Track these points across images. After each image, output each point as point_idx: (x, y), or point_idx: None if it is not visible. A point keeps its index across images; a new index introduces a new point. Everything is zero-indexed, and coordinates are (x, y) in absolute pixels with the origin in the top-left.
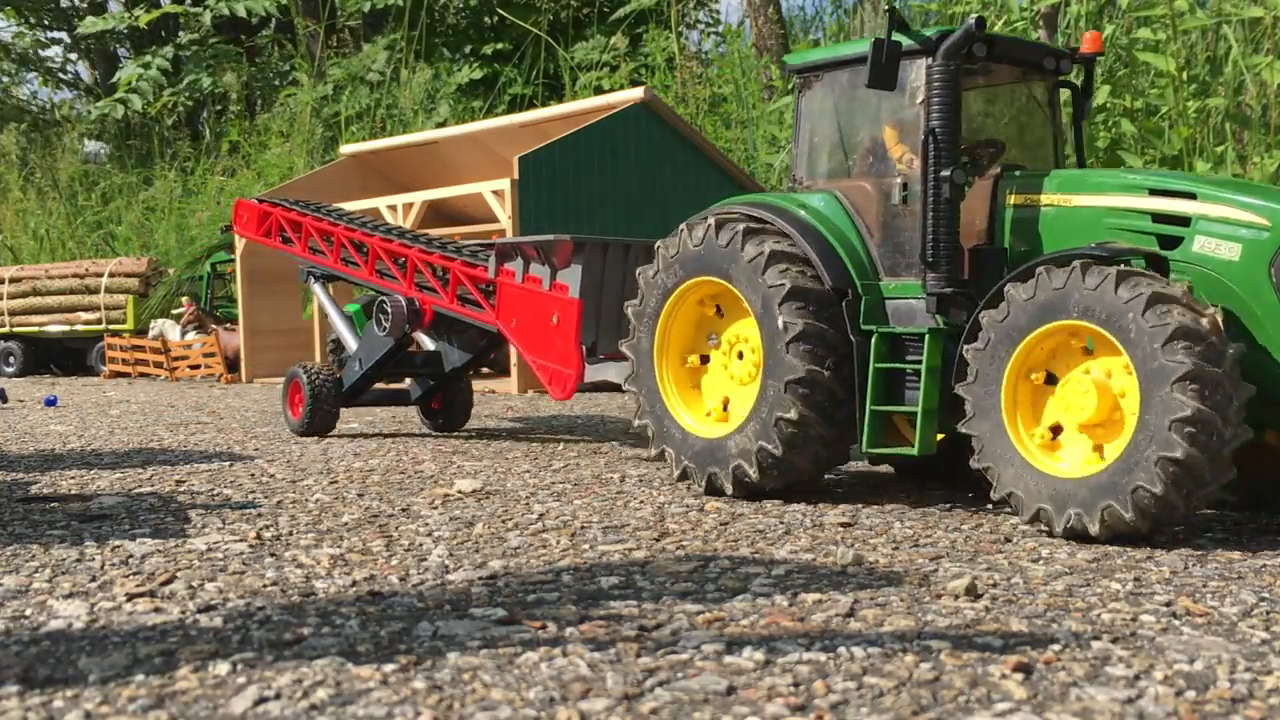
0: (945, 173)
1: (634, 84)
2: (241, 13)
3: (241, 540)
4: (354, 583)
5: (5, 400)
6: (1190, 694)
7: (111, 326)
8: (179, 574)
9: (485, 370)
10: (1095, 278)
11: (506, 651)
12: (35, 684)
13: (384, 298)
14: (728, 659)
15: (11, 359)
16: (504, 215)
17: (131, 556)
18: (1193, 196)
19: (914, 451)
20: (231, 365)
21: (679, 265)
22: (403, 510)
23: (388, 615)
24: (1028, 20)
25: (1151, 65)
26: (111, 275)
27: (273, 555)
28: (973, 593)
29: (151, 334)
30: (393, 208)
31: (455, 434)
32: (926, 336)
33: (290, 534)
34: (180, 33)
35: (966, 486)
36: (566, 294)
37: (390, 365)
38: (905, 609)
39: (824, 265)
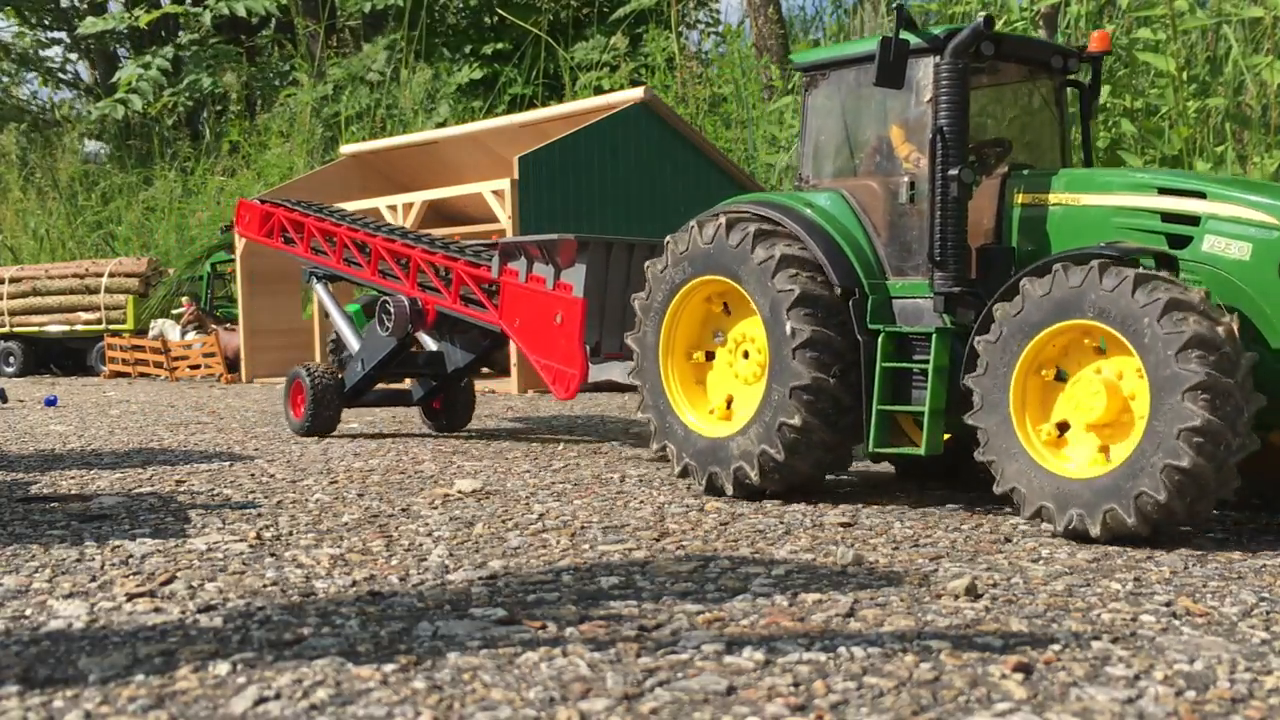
0: (953, 171)
1: (634, 84)
2: (241, 12)
3: (241, 540)
4: (354, 583)
5: (5, 400)
6: (1190, 694)
7: (111, 326)
8: (179, 574)
9: (485, 370)
10: (1113, 279)
11: (506, 651)
12: (35, 684)
13: (387, 298)
14: (728, 659)
15: (11, 359)
16: (504, 215)
17: (131, 556)
18: (1202, 196)
19: (921, 451)
20: (231, 365)
21: (688, 262)
22: (403, 510)
23: (388, 615)
24: (1028, 20)
25: (1151, 65)
26: (111, 275)
27: (273, 555)
28: (973, 593)
29: (151, 334)
30: (393, 208)
31: (455, 434)
32: (934, 336)
33: (290, 534)
34: (180, 33)
35: (967, 486)
36: (570, 293)
37: (393, 365)
38: (905, 609)
39: (831, 265)
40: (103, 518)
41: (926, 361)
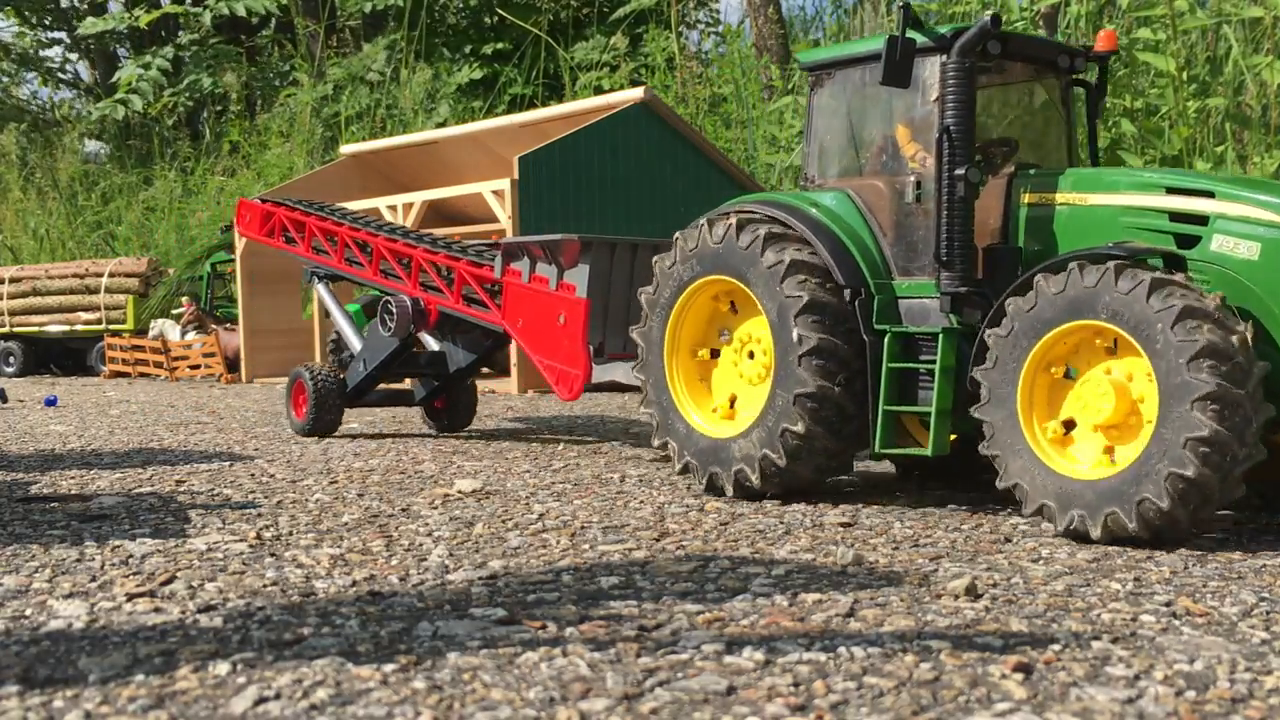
0: (960, 171)
1: (634, 84)
2: (241, 12)
3: (241, 540)
4: (354, 583)
5: (5, 400)
6: (1190, 694)
7: (111, 326)
8: (179, 574)
9: (485, 370)
10: (1128, 282)
11: (506, 651)
12: (35, 684)
13: (389, 298)
14: (728, 659)
15: (11, 359)
16: (504, 215)
17: (131, 556)
18: (1211, 195)
19: (928, 452)
20: (231, 365)
21: (696, 260)
22: (403, 510)
23: (388, 615)
24: (1028, 20)
25: (1151, 65)
26: (111, 275)
27: (273, 555)
28: (973, 593)
29: (151, 334)
30: (393, 208)
31: (455, 434)
32: (940, 336)
33: (290, 534)
34: (180, 33)
35: (967, 486)
36: (573, 294)
37: (395, 365)
38: (905, 609)
39: (837, 265)
40: (103, 518)
41: (933, 362)
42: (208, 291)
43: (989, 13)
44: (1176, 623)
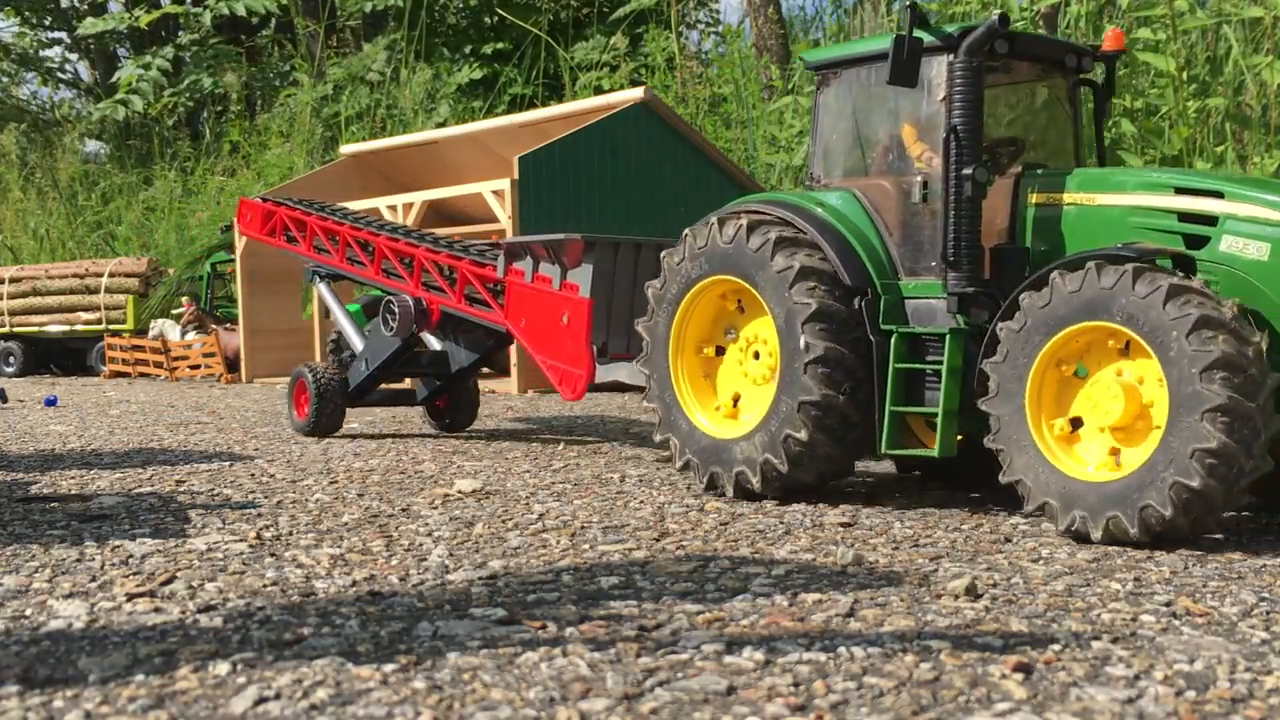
0: (967, 171)
1: (634, 84)
2: (241, 12)
3: (241, 540)
4: (354, 583)
5: (5, 400)
6: (1190, 694)
7: (111, 326)
8: (179, 574)
9: (485, 370)
10: (1146, 286)
11: (506, 651)
12: (35, 684)
13: (391, 297)
14: (728, 659)
15: (11, 359)
16: (504, 215)
17: (131, 556)
18: (1220, 195)
19: (934, 453)
20: (231, 365)
21: (705, 259)
22: (403, 510)
23: (388, 615)
24: (1028, 20)
25: (1151, 65)
26: (111, 275)
27: (273, 555)
28: (973, 593)
29: (151, 334)
30: (393, 208)
31: (456, 434)
32: (947, 337)
33: (290, 534)
34: (180, 33)
35: (969, 486)
36: (577, 294)
37: (397, 365)
38: (905, 609)
39: (843, 265)
40: (103, 518)
41: (939, 362)
42: (208, 291)
43: (997, 12)
44: (1176, 623)
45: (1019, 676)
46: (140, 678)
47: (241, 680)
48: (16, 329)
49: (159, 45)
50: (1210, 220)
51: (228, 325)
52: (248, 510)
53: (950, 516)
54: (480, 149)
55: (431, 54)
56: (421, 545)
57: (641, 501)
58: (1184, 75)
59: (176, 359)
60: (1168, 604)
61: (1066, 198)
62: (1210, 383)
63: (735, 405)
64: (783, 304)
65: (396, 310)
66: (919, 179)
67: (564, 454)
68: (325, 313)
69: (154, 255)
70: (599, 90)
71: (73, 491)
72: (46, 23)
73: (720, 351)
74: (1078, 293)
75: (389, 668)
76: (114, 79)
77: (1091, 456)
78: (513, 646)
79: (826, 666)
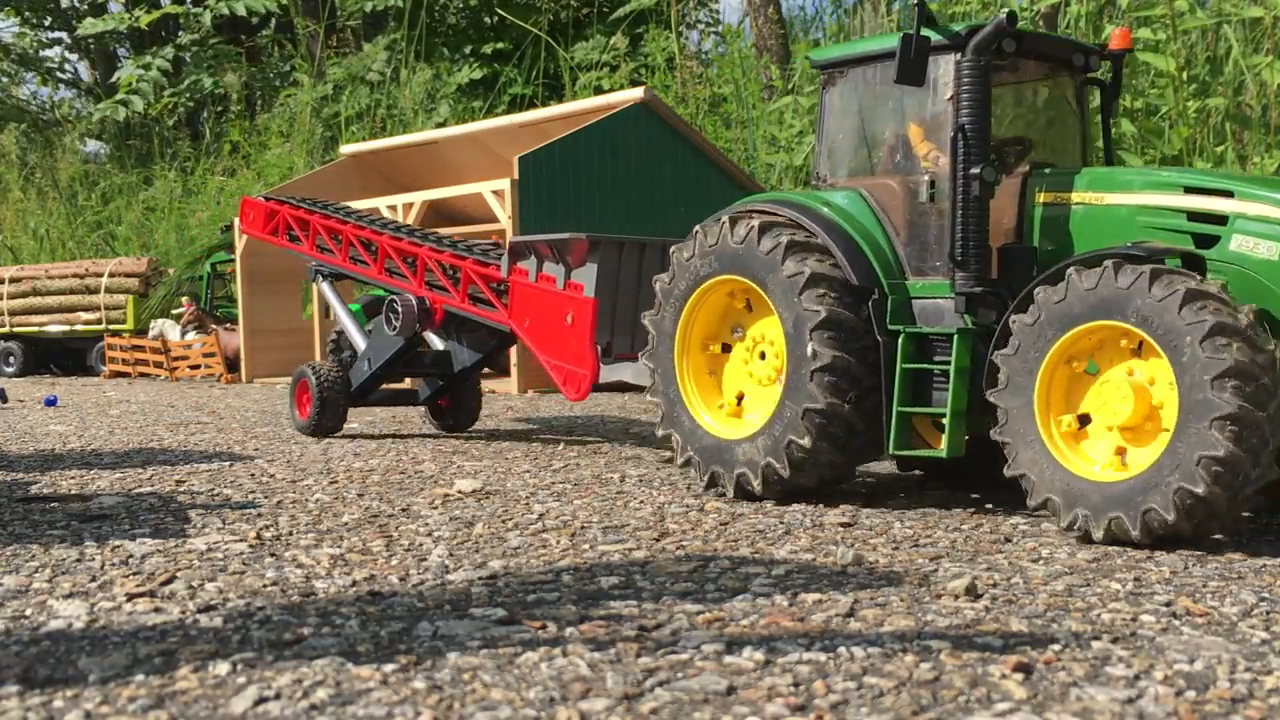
0: (975, 170)
1: (634, 84)
2: (241, 12)
3: (241, 540)
4: (354, 583)
5: (5, 400)
6: (1190, 694)
7: (111, 326)
8: (179, 574)
9: (485, 370)
10: (1162, 289)
11: (506, 651)
12: (35, 684)
13: (394, 296)
14: (728, 659)
15: (11, 359)
16: (504, 215)
17: (131, 556)
18: (1230, 194)
19: (942, 454)
20: (231, 365)
21: (715, 258)
22: (403, 510)
23: (388, 615)
24: (1027, 20)
25: (1151, 65)
26: (111, 275)
27: (273, 555)
28: (973, 593)
29: (151, 334)
30: (393, 208)
31: (456, 434)
32: (955, 337)
33: (290, 534)
34: (180, 33)
35: (970, 486)
36: (581, 293)
37: (400, 365)
38: (905, 609)
39: (850, 265)
40: (103, 518)
41: (947, 363)
42: (208, 291)
43: (1004, 10)
44: (1176, 623)
45: (1019, 676)
46: (140, 678)
47: (241, 680)
48: (16, 329)
49: (159, 45)
50: (1220, 219)
51: (228, 325)
52: (248, 510)
53: (950, 516)
54: (480, 149)
55: (431, 54)
56: (421, 545)
57: (641, 501)
58: (1184, 75)
59: (176, 359)
60: (1168, 604)
61: (1075, 197)
62: (1221, 391)
63: (739, 404)
64: (791, 309)
65: (400, 309)
66: (926, 178)
67: (564, 454)
68: (325, 312)
69: (154, 255)
70: (599, 90)
71: (73, 491)
72: (46, 23)
73: (726, 349)
74: (1094, 290)
75: (389, 668)
76: (114, 79)
77: (1097, 455)
78: (513, 646)
79: (826, 666)
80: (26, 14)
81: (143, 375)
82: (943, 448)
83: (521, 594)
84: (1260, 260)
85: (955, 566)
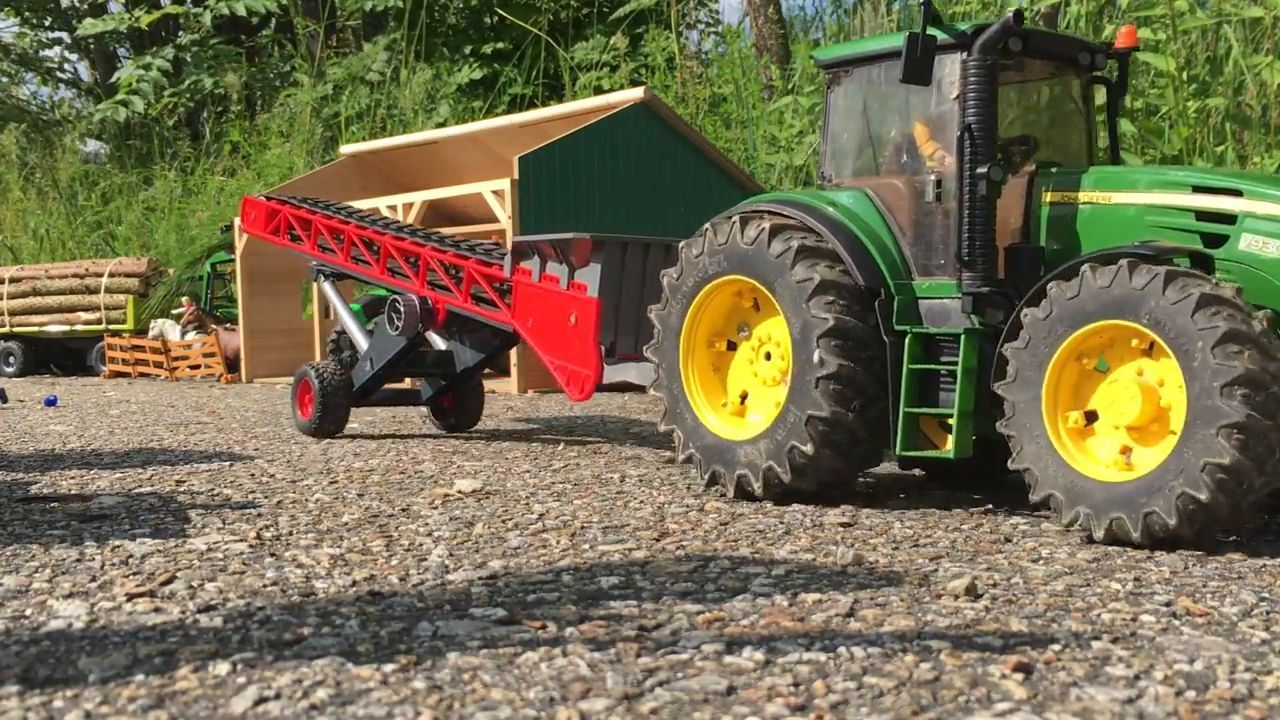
0: (982, 169)
1: (634, 84)
2: (241, 12)
3: (241, 540)
4: (354, 583)
5: (5, 400)
6: (1190, 694)
7: (111, 326)
8: (179, 574)
9: (485, 370)
10: (1176, 292)
11: (506, 651)
12: (35, 684)
13: (396, 296)
14: (728, 659)
15: (11, 359)
16: (504, 215)
17: (131, 556)
18: (1238, 194)
19: (949, 454)
20: (231, 365)
21: (724, 257)
22: (403, 510)
23: (388, 615)
24: (1027, 20)
25: (1151, 65)
26: (111, 275)
27: (273, 555)
28: (973, 593)
29: (151, 334)
30: (393, 208)
31: (456, 434)
32: (962, 337)
33: (290, 534)
34: (180, 33)
35: (967, 486)
36: (585, 293)
37: (402, 365)
38: (905, 609)
39: (855, 265)
40: (103, 518)
41: (953, 363)
42: (208, 291)
43: (1011, 9)
44: (1176, 623)
45: (1019, 676)
46: (140, 678)
47: (241, 680)
48: (16, 329)
49: (159, 45)
50: (1229, 219)
51: (228, 325)
52: (248, 510)
53: (950, 516)
54: (480, 149)
55: (431, 54)
56: (421, 545)
57: (641, 501)
58: (1184, 75)
59: (176, 359)
60: (1168, 604)
61: (1082, 196)
62: (1230, 399)
63: (743, 403)
64: (799, 314)
65: (402, 309)
66: (932, 178)
67: (564, 454)
68: (326, 312)
69: (154, 255)
70: (599, 90)
71: (73, 491)
72: (46, 23)
73: (732, 347)
74: (1107, 289)
75: (389, 668)
76: (114, 79)
77: (1103, 453)
78: (513, 646)
79: (826, 666)
80: (26, 14)
81: (143, 375)
82: (949, 449)
83: (521, 594)
84: (1270, 260)
85: (955, 566)
